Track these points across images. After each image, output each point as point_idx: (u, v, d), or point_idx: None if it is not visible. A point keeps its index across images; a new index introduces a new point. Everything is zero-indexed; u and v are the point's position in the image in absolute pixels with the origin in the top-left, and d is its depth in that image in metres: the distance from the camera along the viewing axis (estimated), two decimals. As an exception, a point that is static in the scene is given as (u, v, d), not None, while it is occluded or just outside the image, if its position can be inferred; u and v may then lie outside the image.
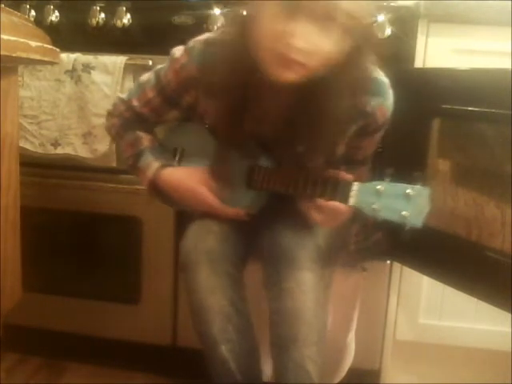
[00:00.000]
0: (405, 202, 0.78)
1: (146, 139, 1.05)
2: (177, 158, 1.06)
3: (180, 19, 1.28)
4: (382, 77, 0.91)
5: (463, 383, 1.34)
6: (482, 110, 0.97)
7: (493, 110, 0.95)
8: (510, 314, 0.95)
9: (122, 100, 1.07)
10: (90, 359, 1.44)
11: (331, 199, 0.86)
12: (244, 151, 0.97)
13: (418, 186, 0.78)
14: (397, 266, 1.28)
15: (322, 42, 0.78)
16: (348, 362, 1.19)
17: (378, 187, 0.80)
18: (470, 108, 0.99)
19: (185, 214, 1.06)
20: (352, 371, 1.20)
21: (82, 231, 1.41)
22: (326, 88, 0.83)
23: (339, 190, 0.85)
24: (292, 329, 0.88)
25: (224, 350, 0.89)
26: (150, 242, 1.36)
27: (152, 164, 1.01)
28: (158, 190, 1.02)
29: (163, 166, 1.01)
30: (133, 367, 1.42)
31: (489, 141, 1.00)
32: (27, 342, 1.45)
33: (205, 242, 0.94)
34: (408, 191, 0.78)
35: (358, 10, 0.78)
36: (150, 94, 1.02)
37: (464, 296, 1.03)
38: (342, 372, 1.18)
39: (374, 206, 0.80)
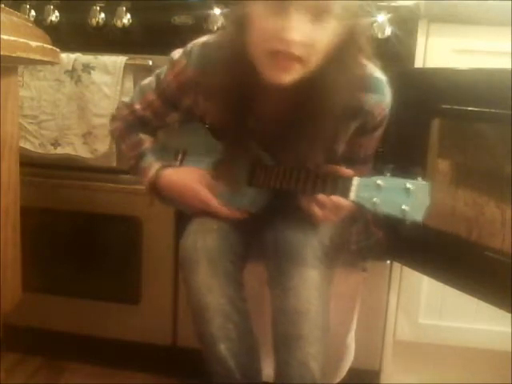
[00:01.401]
0: (405, 197, 0.78)
1: (147, 141, 1.07)
2: (179, 159, 1.07)
3: (180, 19, 1.28)
4: (379, 74, 0.91)
5: (463, 383, 1.34)
6: (482, 109, 0.97)
7: (493, 110, 0.95)
8: (510, 314, 0.95)
9: (125, 104, 1.09)
10: (90, 359, 1.44)
11: (332, 194, 0.86)
12: (246, 150, 0.97)
13: (418, 181, 0.78)
14: (397, 265, 1.28)
15: (317, 33, 0.77)
16: (348, 362, 1.19)
17: (378, 182, 0.80)
18: (469, 108, 0.99)
19: (185, 214, 1.06)
20: (352, 371, 1.20)
21: (82, 231, 1.40)
22: (321, 85, 0.83)
23: (339, 185, 0.85)
24: (296, 327, 0.88)
25: (223, 348, 0.90)
26: (149, 242, 1.36)
27: (153, 165, 1.03)
28: (158, 191, 1.03)
29: (163, 167, 1.02)
30: (133, 367, 1.42)
31: (489, 141, 1.00)
32: (27, 342, 1.45)
33: (204, 241, 0.94)
34: (408, 185, 0.78)
35: None
36: (151, 97, 1.03)
37: (464, 296, 1.03)
38: (342, 372, 1.18)
39: (374, 200, 0.80)
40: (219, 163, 1.01)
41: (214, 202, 0.97)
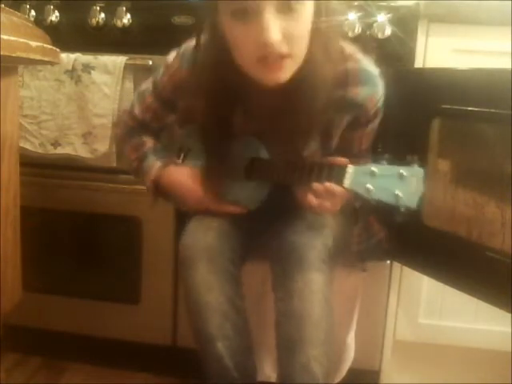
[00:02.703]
0: (399, 183, 0.78)
1: (149, 142, 1.08)
2: (181, 158, 1.08)
3: (180, 19, 1.28)
4: (371, 68, 0.92)
5: (463, 383, 1.34)
6: (482, 109, 0.97)
7: (493, 110, 0.95)
8: (510, 314, 0.95)
9: (125, 111, 1.12)
10: (90, 359, 1.44)
11: (327, 182, 0.86)
12: (241, 146, 0.98)
13: (411, 167, 0.78)
14: (397, 265, 1.28)
15: (294, 24, 0.78)
16: (348, 362, 1.19)
17: (373, 169, 0.80)
18: (469, 108, 0.99)
19: (185, 214, 1.06)
20: (352, 371, 1.20)
21: (82, 231, 1.41)
22: (309, 79, 0.84)
23: (334, 173, 0.85)
24: (299, 330, 0.88)
25: (221, 346, 0.89)
26: (150, 242, 1.36)
27: (154, 164, 1.04)
28: (161, 190, 1.03)
29: (165, 165, 1.03)
30: (133, 367, 1.42)
31: (489, 141, 1.00)
32: (27, 342, 1.45)
33: (204, 239, 0.95)
34: (402, 172, 0.78)
35: None
36: (149, 99, 1.05)
37: (464, 296, 1.03)
38: (342, 372, 1.18)
39: (368, 187, 0.79)
40: (209, 161, 1.01)
41: (211, 200, 0.98)
